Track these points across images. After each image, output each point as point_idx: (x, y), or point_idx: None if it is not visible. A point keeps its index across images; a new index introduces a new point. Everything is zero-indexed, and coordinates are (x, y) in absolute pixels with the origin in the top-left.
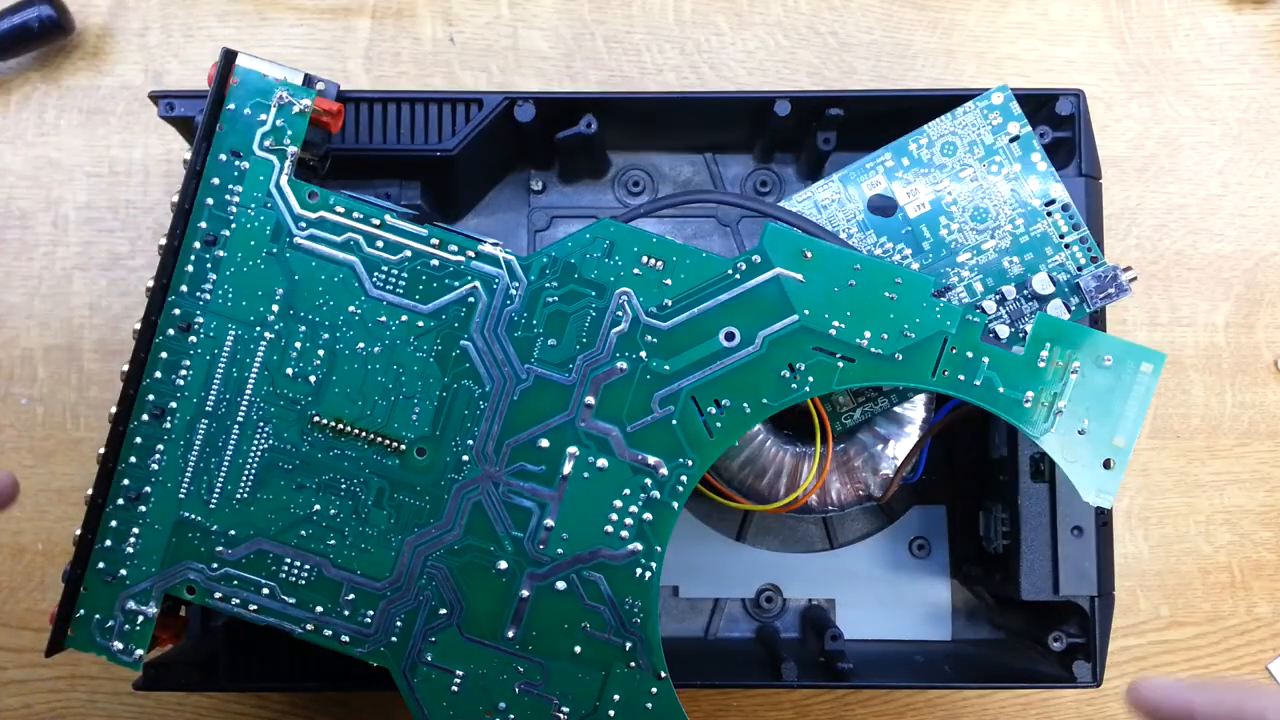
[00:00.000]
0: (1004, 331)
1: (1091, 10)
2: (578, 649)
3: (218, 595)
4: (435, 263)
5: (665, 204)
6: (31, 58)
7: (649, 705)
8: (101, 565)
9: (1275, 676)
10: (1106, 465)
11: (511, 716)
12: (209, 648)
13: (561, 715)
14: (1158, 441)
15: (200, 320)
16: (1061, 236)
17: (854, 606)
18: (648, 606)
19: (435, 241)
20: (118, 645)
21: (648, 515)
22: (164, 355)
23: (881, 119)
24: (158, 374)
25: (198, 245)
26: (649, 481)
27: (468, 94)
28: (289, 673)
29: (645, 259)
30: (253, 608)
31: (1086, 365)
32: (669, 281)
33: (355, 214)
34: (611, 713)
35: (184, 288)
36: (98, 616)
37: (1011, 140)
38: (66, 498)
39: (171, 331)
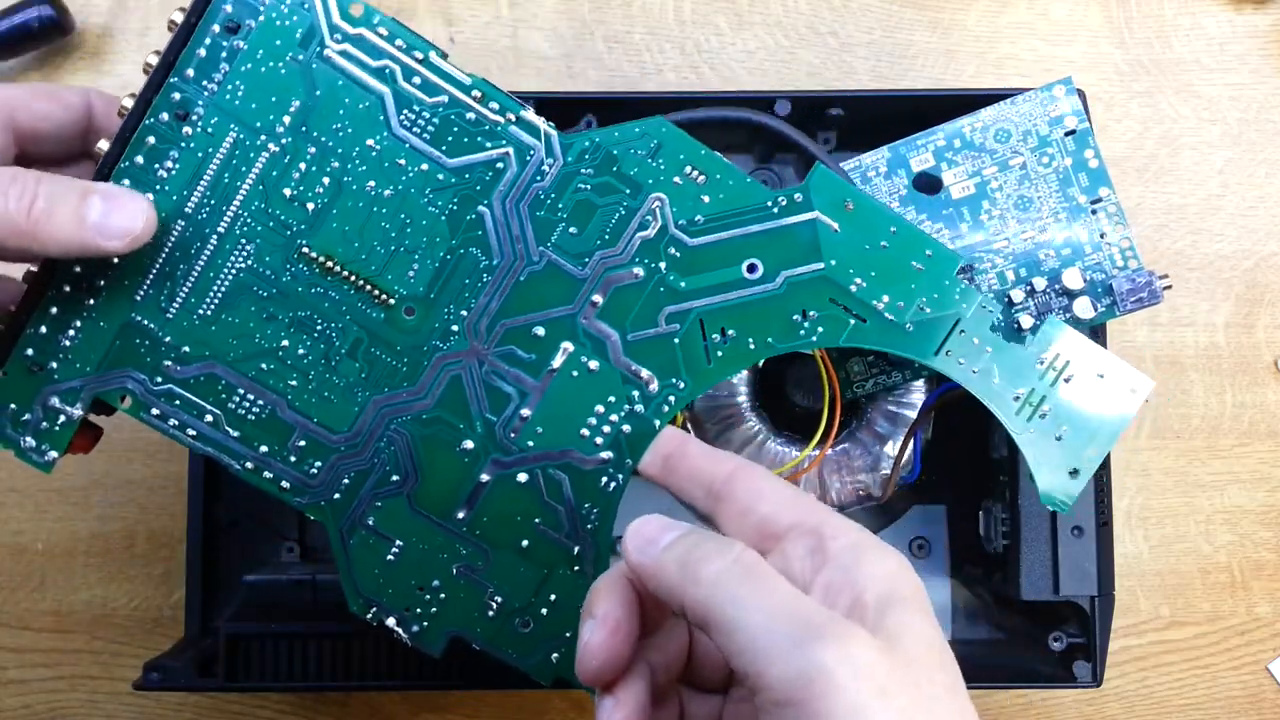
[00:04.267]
0: (1027, 322)
1: (1091, 10)
2: (525, 543)
3: (154, 412)
4: (471, 116)
5: (719, 118)
6: (31, 58)
7: None
8: (30, 352)
9: (1276, 676)
10: (1073, 474)
11: (443, 596)
12: (209, 648)
13: (494, 604)
14: (1158, 441)
15: (200, 112)
16: (1102, 236)
17: None
18: (605, 516)
19: (477, 94)
20: (29, 441)
21: (627, 427)
22: (150, 140)
23: (881, 119)
24: (139, 159)
25: (216, 29)
26: (636, 394)
27: None
28: (289, 673)
29: (689, 169)
30: (190, 433)
31: (1080, 376)
32: (706, 198)
33: (399, 41)
34: (544, 611)
35: (190, 71)
36: (13, 407)
37: (1067, 134)
38: (67, 497)
39: (165, 116)
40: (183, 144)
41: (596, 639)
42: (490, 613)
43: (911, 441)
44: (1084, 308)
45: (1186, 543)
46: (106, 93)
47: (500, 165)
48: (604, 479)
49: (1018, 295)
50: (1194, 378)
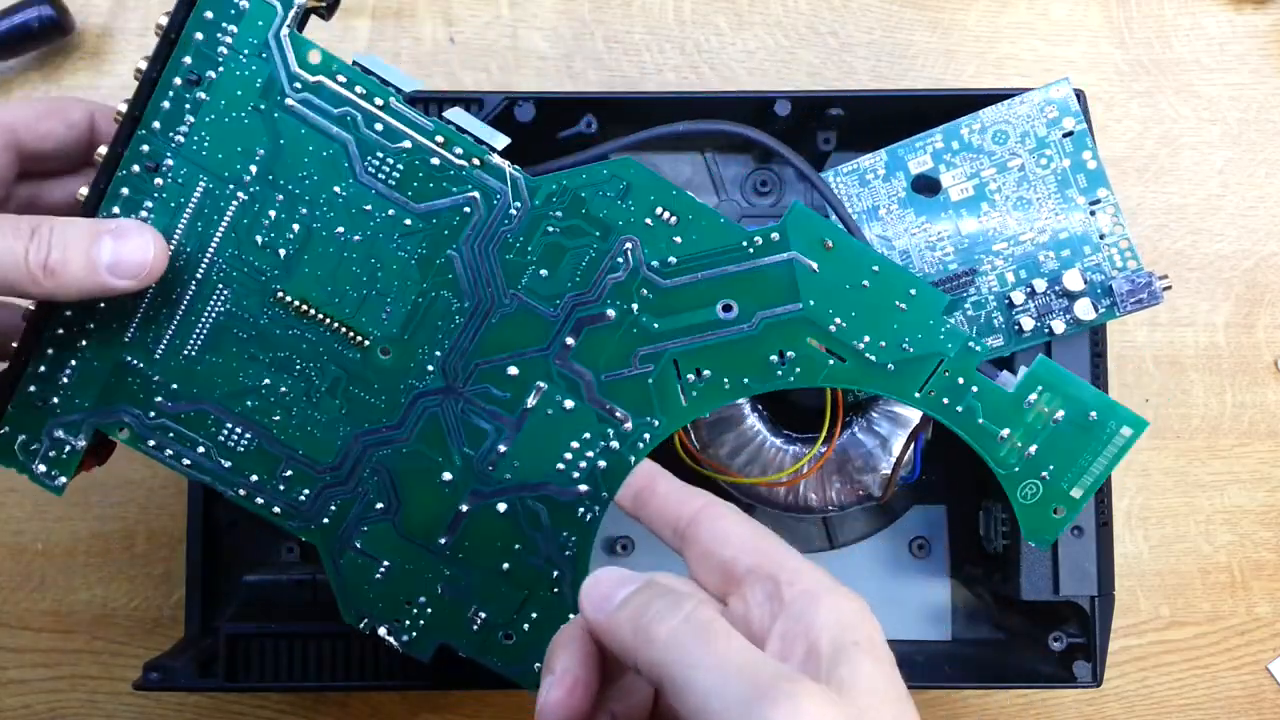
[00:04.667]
0: (1029, 324)
1: (1091, 10)
2: (505, 566)
3: (151, 443)
4: (436, 161)
5: (684, 132)
6: (31, 58)
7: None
8: (33, 389)
9: (1276, 676)
10: (1056, 513)
11: (430, 610)
12: (209, 648)
13: (478, 619)
14: (1158, 441)
15: (170, 163)
16: (1102, 237)
17: None
18: (583, 544)
19: (440, 140)
20: (41, 467)
21: (603, 463)
22: (124, 191)
23: (881, 119)
24: (116, 209)
25: (178, 81)
26: (611, 431)
27: (468, 94)
28: (289, 673)
29: (660, 210)
30: (185, 462)
31: (1071, 415)
32: (679, 239)
33: (359, 88)
34: (526, 627)
35: (157, 124)
36: (23, 437)
37: (1065, 135)
38: (67, 497)
39: (136, 169)
40: (155, 194)
41: (553, 698)
42: (475, 626)
43: (912, 442)
44: (1085, 309)
45: (1186, 543)
46: (108, 106)
47: (468, 209)
48: (581, 509)
49: (1018, 297)
50: (1194, 378)
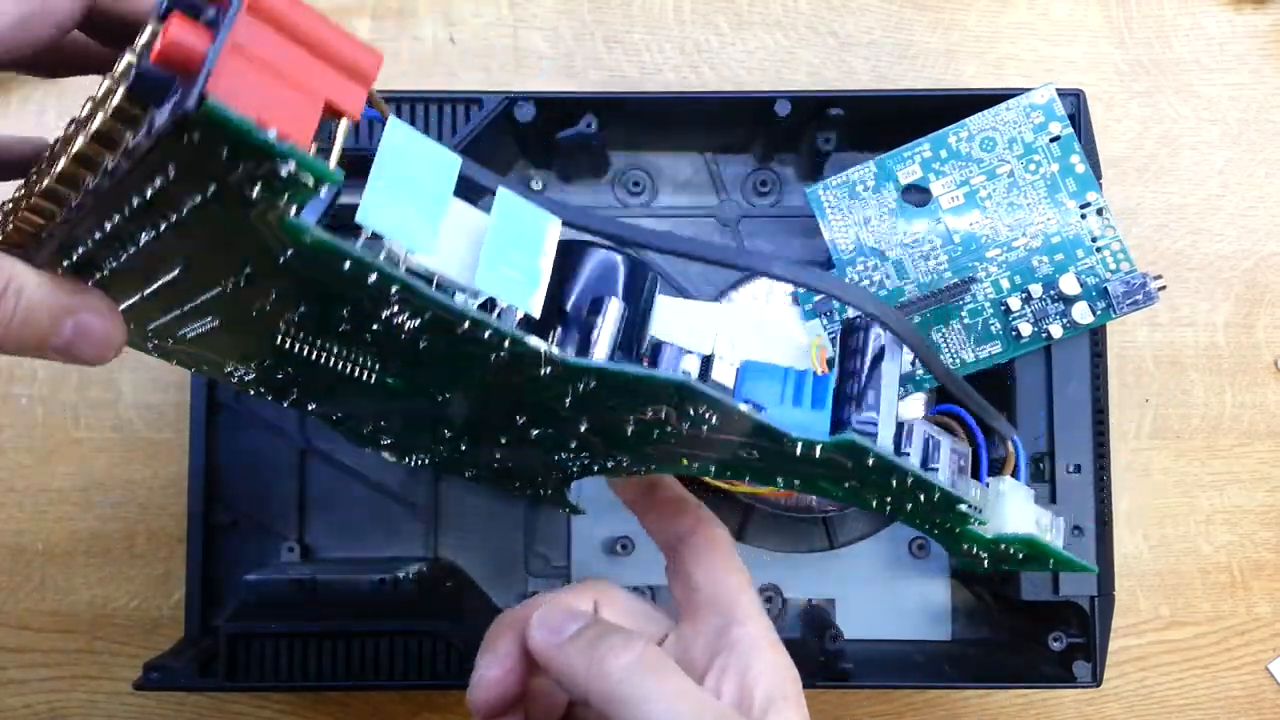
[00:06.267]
0: (1026, 330)
1: (1091, 10)
2: (510, 465)
3: (151, 347)
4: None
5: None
6: None
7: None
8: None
9: (1276, 676)
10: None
11: (428, 462)
12: (209, 648)
13: (470, 472)
14: (1158, 441)
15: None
16: (1094, 240)
17: (854, 606)
18: (559, 489)
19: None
20: None
21: (596, 468)
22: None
23: (881, 119)
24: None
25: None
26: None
27: (467, 94)
28: (289, 673)
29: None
30: (205, 367)
31: (1030, 555)
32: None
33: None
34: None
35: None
36: None
37: (1052, 140)
38: (67, 497)
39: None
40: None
41: (493, 674)
42: (465, 475)
43: None
44: (1083, 313)
45: (1186, 543)
46: None
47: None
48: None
49: (1015, 304)
50: (1194, 378)
